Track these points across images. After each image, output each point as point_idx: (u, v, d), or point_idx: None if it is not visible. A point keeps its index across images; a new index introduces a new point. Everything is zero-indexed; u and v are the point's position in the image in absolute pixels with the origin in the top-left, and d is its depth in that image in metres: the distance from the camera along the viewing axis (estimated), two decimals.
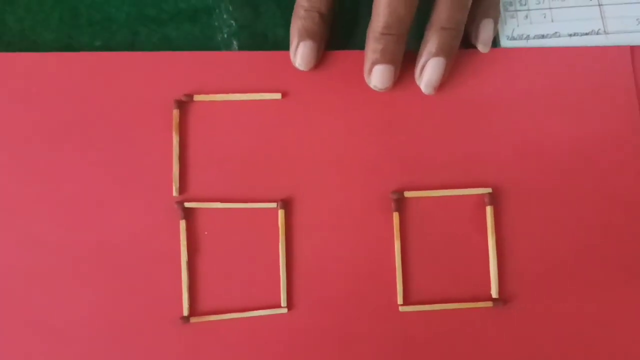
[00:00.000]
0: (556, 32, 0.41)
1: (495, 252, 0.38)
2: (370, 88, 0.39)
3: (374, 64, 0.38)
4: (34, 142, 0.38)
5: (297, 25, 0.38)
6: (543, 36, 0.41)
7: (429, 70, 0.38)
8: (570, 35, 0.41)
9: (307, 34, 0.38)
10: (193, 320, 0.37)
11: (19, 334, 0.37)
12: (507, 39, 0.41)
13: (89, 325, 0.37)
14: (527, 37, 0.41)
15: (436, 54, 0.38)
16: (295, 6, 0.39)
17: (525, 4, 0.41)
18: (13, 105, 0.38)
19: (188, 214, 0.38)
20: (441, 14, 0.37)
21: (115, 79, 0.39)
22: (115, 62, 0.39)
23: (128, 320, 0.37)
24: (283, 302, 0.37)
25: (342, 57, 0.40)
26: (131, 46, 0.40)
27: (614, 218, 0.38)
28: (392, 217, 0.38)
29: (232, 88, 0.39)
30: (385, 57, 0.37)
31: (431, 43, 0.38)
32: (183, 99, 0.39)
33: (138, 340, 0.37)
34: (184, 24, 0.41)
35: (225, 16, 0.41)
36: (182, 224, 0.37)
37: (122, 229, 0.37)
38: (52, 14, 0.41)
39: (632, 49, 0.40)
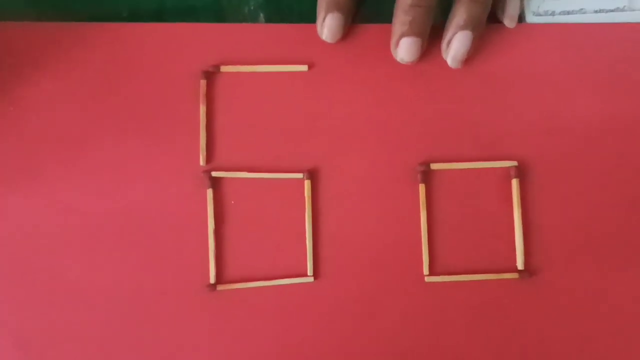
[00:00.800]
0: (582, 9, 0.41)
1: (520, 224, 0.38)
2: (397, 61, 0.39)
3: (401, 36, 0.38)
4: (63, 111, 0.38)
5: None
6: (568, 12, 0.41)
7: (456, 44, 0.38)
8: (595, 11, 0.41)
9: (334, 6, 0.38)
10: (220, 287, 0.37)
11: (46, 300, 0.37)
12: (533, 14, 0.41)
13: (116, 292, 0.37)
14: (553, 13, 0.41)
15: (464, 27, 0.38)
16: None
17: None
18: (40, 74, 0.38)
19: (215, 183, 0.38)
20: None
21: (143, 49, 0.39)
22: (143, 33, 0.39)
23: (155, 288, 0.37)
24: (309, 271, 0.37)
25: (369, 30, 0.40)
26: (158, 18, 0.40)
27: (638, 193, 0.38)
28: (418, 188, 0.38)
29: (258, 60, 0.39)
30: (413, 30, 0.38)
31: (459, 16, 0.38)
32: (210, 69, 0.39)
33: (165, 307, 0.37)
34: None
35: None
36: (209, 192, 0.38)
37: (150, 197, 0.38)
38: None
39: None
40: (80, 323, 0.37)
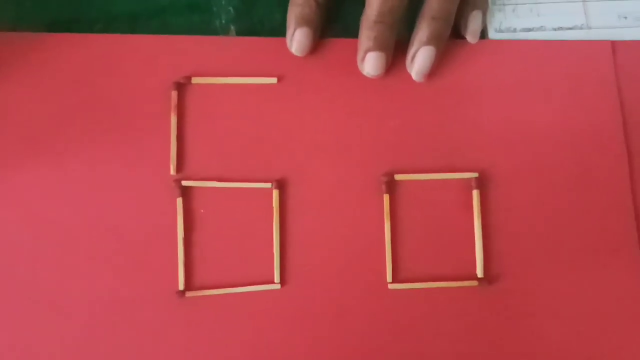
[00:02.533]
0: (542, 26, 0.42)
1: (480, 233, 0.39)
2: (363, 75, 0.40)
3: (367, 51, 0.39)
4: (35, 121, 0.39)
5: (294, 12, 0.40)
6: (529, 29, 0.42)
7: (419, 59, 0.40)
8: (555, 29, 0.42)
9: (303, 21, 0.39)
10: (189, 294, 0.38)
11: (20, 309, 0.37)
12: (495, 31, 0.42)
13: (88, 299, 0.38)
14: (514, 30, 0.42)
15: (427, 43, 0.39)
16: None
17: None
18: (11, 84, 0.39)
19: (185, 192, 0.39)
20: (432, 4, 0.39)
21: (115, 61, 0.40)
22: (116, 45, 0.40)
23: (126, 295, 0.38)
24: (276, 279, 0.38)
25: (336, 45, 0.41)
26: (131, 31, 0.41)
27: (593, 201, 0.40)
28: (382, 198, 0.39)
29: (229, 72, 0.40)
30: (377, 45, 0.39)
31: (422, 32, 0.39)
32: (181, 81, 0.40)
33: (136, 313, 0.38)
34: (182, 9, 0.42)
35: (223, 2, 0.42)
36: (179, 201, 0.39)
37: (122, 206, 0.38)
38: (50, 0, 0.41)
39: (613, 43, 0.42)
40: (54, 331, 0.37)
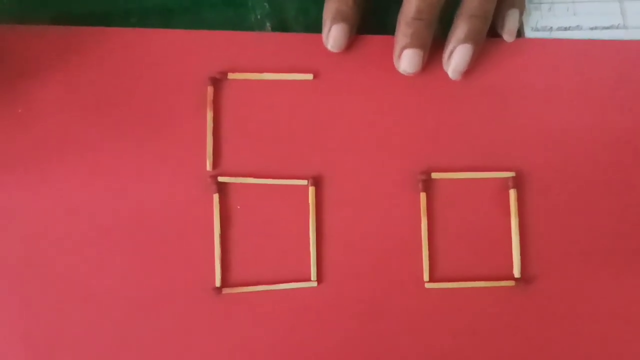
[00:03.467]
0: (578, 25, 0.42)
1: (517, 233, 0.39)
2: (399, 72, 0.40)
3: (404, 48, 0.39)
4: (72, 115, 0.39)
5: (330, 8, 0.39)
6: (566, 28, 0.42)
7: (456, 57, 0.39)
8: (591, 28, 0.42)
9: (340, 17, 0.39)
10: (225, 291, 0.38)
11: (53, 301, 0.37)
12: (531, 30, 0.42)
13: (122, 294, 0.38)
14: (550, 29, 0.42)
15: (464, 41, 0.39)
16: None
17: None
18: (49, 78, 0.39)
19: (221, 188, 0.39)
20: (471, 2, 0.39)
21: (151, 55, 0.40)
22: (152, 39, 0.40)
23: (162, 290, 0.38)
24: (313, 276, 0.38)
25: (373, 41, 0.41)
26: (165, 24, 0.41)
27: (631, 202, 0.40)
28: (419, 196, 0.39)
29: (265, 67, 0.40)
30: (415, 42, 0.39)
31: (460, 30, 0.39)
32: (217, 76, 0.40)
33: (171, 310, 0.37)
34: (218, 5, 0.42)
35: None
36: (215, 197, 0.38)
37: (158, 202, 0.38)
38: None
39: None
40: (86, 324, 0.37)
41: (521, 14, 0.41)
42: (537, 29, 0.42)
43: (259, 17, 0.42)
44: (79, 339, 0.37)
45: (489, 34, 0.40)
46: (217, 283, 0.38)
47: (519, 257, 0.39)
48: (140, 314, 0.37)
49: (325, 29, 0.40)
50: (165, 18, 0.41)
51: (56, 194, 0.38)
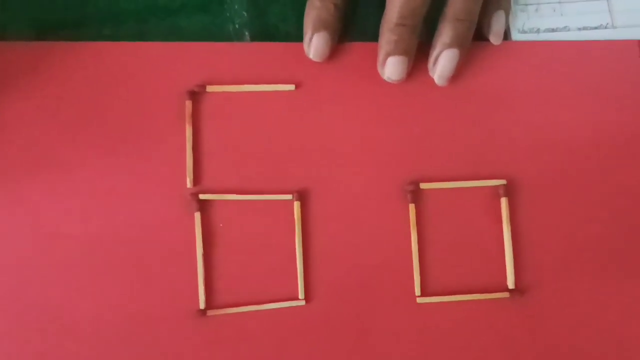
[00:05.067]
0: (566, 26, 0.41)
1: (510, 243, 0.38)
2: (384, 80, 0.39)
3: (388, 54, 0.38)
4: (46, 132, 0.37)
5: (311, 16, 0.38)
6: (553, 30, 0.41)
7: (442, 62, 0.38)
8: (579, 29, 0.41)
9: (321, 25, 0.38)
10: (210, 313, 0.36)
11: (33, 326, 0.36)
12: (518, 32, 0.41)
13: (103, 318, 0.36)
14: (538, 31, 0.41)
15: (450, 45, 0.38)
16: None
17: None
18: (22, 94, 0.38)
19: (203, 206, 0.37)
20: (455, 5, 0.37)
21: (127, 68, 0.38)
22: (128, 52, 0.39)
23: (144, 314, 0.36)
24: (300, 294, 0.37)
25: (355, 49, 0.40)
26: (140, 35, 0.40)
27: (627, 209, 0.39)
28: (408, 208, 0.38)
29: (245, 79, 0.39)
30: (399, 48, 0.37)
31: (445, 34, 0.38)
32: (195, 89, 0.38)
33: (154, 334, 0.36)
34: (194, 13, 0.40)
35: (236, 6, 0.41)
36: (197, 216, 0.37)
37: (137, 221, 0.37)
38: (57, 1, 0.40)
39: None
40: (66, 350, 0.36)
41: (507, 14, 0.40)
42: (524, 31, 0.41)
43: (237, 26, 0.40)
44: None
45: (474, 37, 0.39)
46: (202, 305, 0.36)
47: (512, 267, 0.38)
48: (121, 340, 0.36)
49: (306, 38, 0.38)
50: (140, 28, 0.40)
51: (30, 214, 0.37)
